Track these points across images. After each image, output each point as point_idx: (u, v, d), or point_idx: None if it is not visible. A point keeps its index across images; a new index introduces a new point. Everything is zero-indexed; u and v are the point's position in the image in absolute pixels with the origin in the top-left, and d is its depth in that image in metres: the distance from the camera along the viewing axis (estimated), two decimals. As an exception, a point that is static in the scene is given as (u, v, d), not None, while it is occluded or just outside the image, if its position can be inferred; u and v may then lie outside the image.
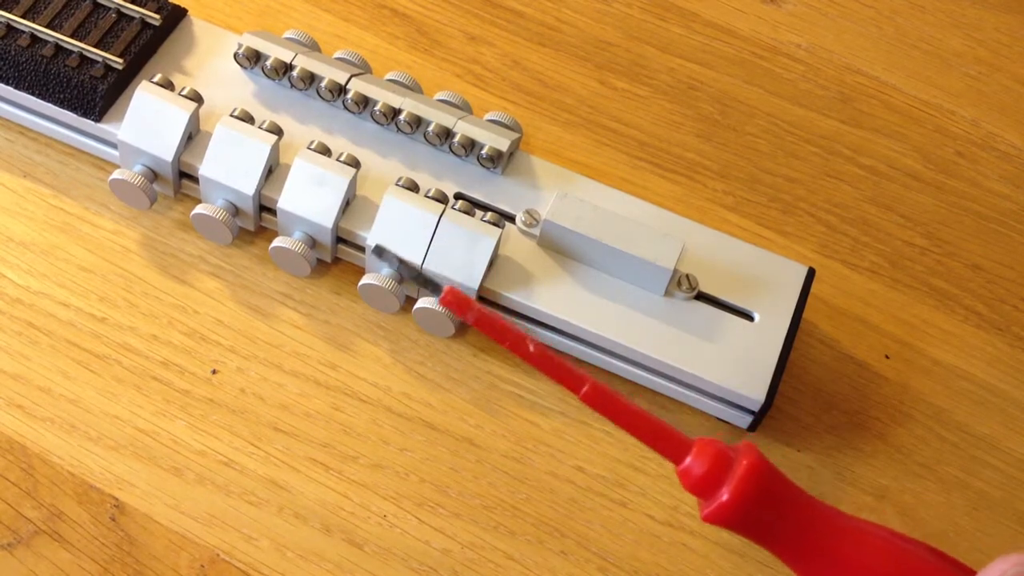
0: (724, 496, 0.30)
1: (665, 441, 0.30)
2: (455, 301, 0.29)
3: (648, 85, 0.49)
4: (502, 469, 0.39)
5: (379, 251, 0.32)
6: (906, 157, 0.48)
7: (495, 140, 0.41)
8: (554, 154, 0.46)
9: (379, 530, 0.37)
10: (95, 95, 0.41)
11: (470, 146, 0.41)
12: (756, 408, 0.38)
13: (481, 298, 0.40)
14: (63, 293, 0.41)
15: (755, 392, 0.38)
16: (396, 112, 0.42)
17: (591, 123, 0.47)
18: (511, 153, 0.42)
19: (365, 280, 0.40)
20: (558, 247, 0.40)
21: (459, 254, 0.38)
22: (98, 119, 0.41)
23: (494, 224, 0.39)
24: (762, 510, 0.30)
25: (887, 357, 0.43)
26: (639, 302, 0.39)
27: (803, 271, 0.41)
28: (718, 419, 0.40)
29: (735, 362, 0.39)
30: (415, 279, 0.31)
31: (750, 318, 0.40)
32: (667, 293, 0.40)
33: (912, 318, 0.44)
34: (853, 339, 0.43)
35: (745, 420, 0.39)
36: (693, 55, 0.50)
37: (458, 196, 0.41)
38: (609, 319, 0.39)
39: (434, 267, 0.39)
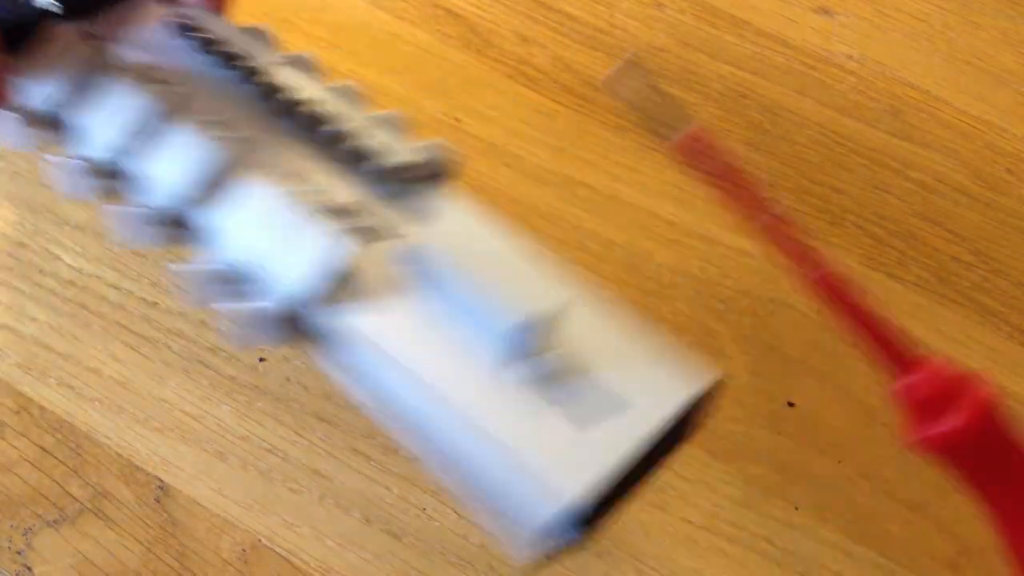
0: (960, 421, 0.27)
1: (893, 348, 0.27)
2: (693, 146, 0.25)
3: (698, 92, 0.49)
4: (541, 467, 0.39)
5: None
6: (955, 172, 0.48)
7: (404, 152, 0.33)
8: (602, 157, 0.46)
9: (418, 522, 0.38)
10: None
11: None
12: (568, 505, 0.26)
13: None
14: (115, 276, 0.41)
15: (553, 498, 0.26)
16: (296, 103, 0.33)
17: (640, 128, 0.48)
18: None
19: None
20: (422, 282, 0.30)
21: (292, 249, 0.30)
22: None
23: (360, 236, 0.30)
24: (990, 445, 0.27)
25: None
26: (479, 371, 0.29)
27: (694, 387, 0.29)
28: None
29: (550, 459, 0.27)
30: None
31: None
32: (518, 364, 0.29)
33: (957, 334, 0.44)
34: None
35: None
36: (744, 63, 0.50)
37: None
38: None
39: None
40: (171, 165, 0.31)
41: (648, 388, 0.29)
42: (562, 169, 0.46)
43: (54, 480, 0.38)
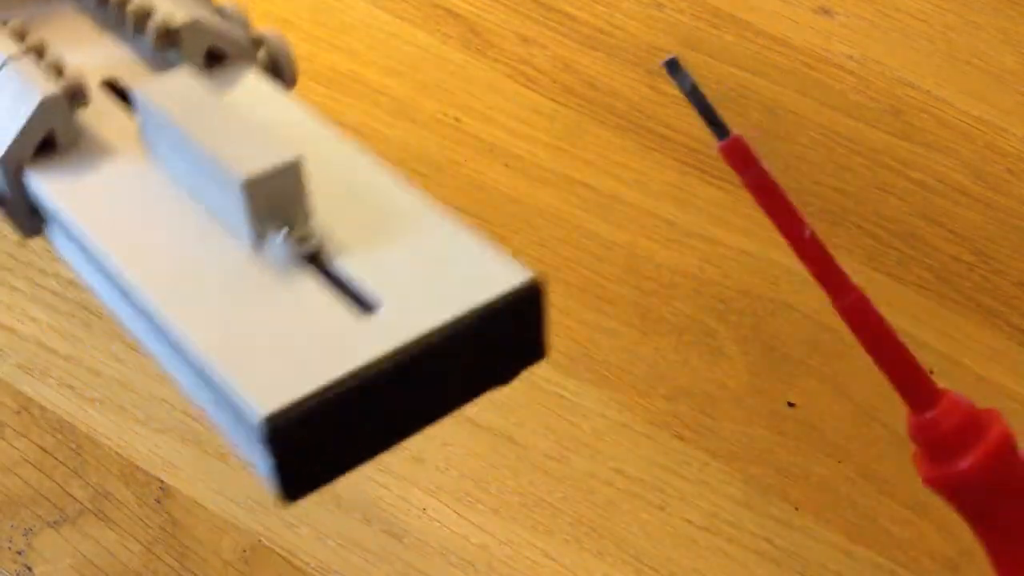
0: (964, 464, 0.27)
1: (915, 384, 0.27)
2: (736, 153, 0.25)
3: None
4: (541, 468, 0.39)
5: None
6: (956, 172, 0.48)
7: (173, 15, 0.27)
8: (602, 157, 0.47)
9: (418, 523, 0.38)
10: None
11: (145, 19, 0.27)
12: (255, 423, 0.20)
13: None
14: (116, 277, 0.41)
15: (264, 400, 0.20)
16: None
17: (640, 128, 0.48)
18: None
19: None
20: (154, 145, 0.25)
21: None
22: None
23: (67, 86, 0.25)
24: (998, 489, 0.27)
25: (931, 372, 0.43)
26: (207, 250, 0.23)
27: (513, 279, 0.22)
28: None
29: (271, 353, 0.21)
30: None
31: (368, 308, 0.22)
32: (257, 242, 0.23)
33: (958, 333, 0.44)
34: (897, 352, 0.43)
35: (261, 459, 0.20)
36: (744, 63, 0.50)
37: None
38: (145, 250, 0.23)
39: None
40: None
41: (434, 285, 0.22)
42: (562, 169, 0.46)
43: (54, 480, 0.38)
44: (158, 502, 0.38)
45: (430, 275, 0.22)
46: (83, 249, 0.24)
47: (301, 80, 0.47)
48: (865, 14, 0.53)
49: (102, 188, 0.25)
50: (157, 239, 0.24)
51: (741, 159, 0.26)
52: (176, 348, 0.22)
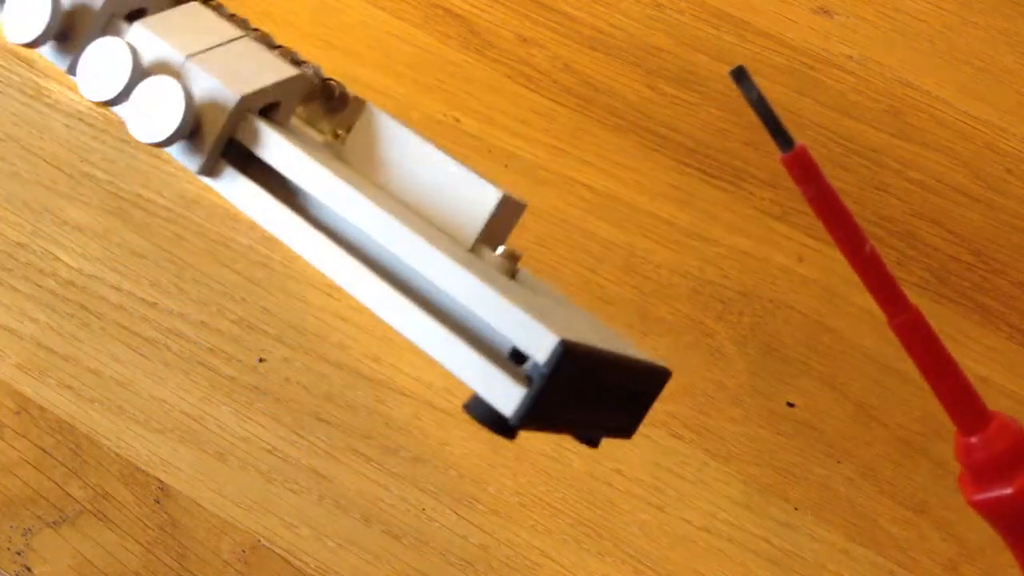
0: (1009, 490, 0.26)
1: (965, 405, 0.27)
2: (801, 164, 0.25)
3: (698, 92, 0.49)
4: (541, 468, 0.39)
5: None
6: (955, 173, 0.48)
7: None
8: (602, 157, 0.47)
9: (417, 523, 0.38)
10: None
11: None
12: (551, 345, 0.24)
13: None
14: (115, 277, 0.41)
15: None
16: None
17: (640, 128, 0.48)
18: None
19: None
20: (366, 150, 0.30)
21: (241, 65, 0.29)
22: None
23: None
24: None
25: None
26: (435, 237, 0.28)
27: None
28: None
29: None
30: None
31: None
32: (474, 248, 0.28)
33: (957, 334, 0.44)
34: (898, 352, 0.43)
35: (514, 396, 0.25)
36: (744, 63, 0.50)
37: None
38: (398, 227, 0.27)
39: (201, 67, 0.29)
40: None
41: None
42: (562, 169, 0.46)
43: (54, 481, 0.38)
44: (157, 502, 0.38)
45: (602, 335, 0.28)
46: (321, 205, 0.28)
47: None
48: (865, 14, 0.52)
49: (328, 158, 0.29)
50: (391, 206, 0.28)
51: (804, 171, 0.25)
52: (427, 288, 0.27)
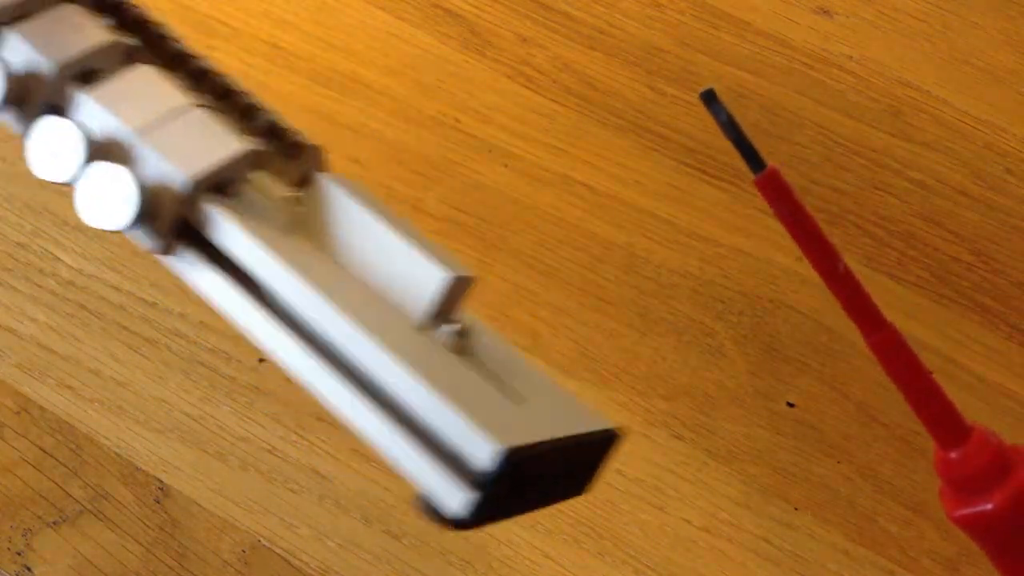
0: (989, 505, 0.27)
1: (944, 421, 0.27)
2: (772, 186, 0.25)
3: (698, 92, 0.49)
4: (541, 468, 0.39)
5: None
6: (955, 172, 0.48)
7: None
8: (602, 157, 0.46)
9: (418, 522, 0.38)
10: None
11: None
12: (489, 454, 0.23)
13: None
14: (115, 277, 0.41)
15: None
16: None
17: (640, 128, 0.48)
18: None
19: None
20: (319, 220, 0.29)
21: (191, 142, 0.29)
22: None
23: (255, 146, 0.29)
24: (1020, 531, 0.27)
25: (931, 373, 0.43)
26: (382, 319, 0.27)
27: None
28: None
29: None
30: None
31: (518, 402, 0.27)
32: (423, 326, 0.28)
33: (956, 333, 0.44)
34: (896, 352, 0.43)
35: (457, 495, 0.24)
36: (743, 63, 0.50)
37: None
38: (342, 321, 0.26)
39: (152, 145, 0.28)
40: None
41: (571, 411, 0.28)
42: (562, 169, 0.46)
43: (54, 481, 0.38)
44: (157, 502, 0.38)
45: (552, 408, 0.27)
46: (262, 285, 0.27)
47: (301, 80, 0.48)
48: (865, 14, 0.52)
49: (280, 236, 0.28)
50: (341, 290, 0.27)
51: (776, 192, 0.26)
52: (377, 384, 0.25)
